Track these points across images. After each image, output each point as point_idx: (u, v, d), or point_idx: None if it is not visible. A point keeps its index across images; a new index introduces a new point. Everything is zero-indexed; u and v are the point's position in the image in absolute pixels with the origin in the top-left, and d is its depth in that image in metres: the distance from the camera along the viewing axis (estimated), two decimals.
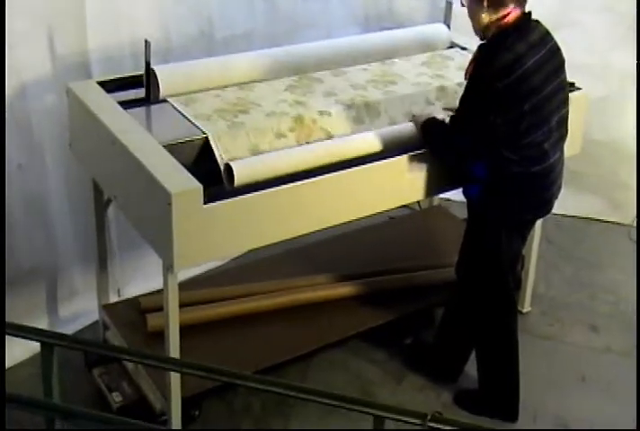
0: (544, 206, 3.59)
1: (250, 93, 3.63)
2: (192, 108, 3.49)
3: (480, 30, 3.33)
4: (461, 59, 4.05)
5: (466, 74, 3.38)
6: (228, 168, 3.18)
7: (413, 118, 3.57)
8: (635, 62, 4.77)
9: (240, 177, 3.16)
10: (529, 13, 3.31)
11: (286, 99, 3.62)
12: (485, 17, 3.28)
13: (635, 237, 5.11)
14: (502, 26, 3.26)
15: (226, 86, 3.68)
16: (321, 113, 3.53)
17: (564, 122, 3.47)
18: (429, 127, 3.47)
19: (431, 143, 3.47)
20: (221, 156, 3.25)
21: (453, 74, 3.97)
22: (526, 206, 3.52)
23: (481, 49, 3.32)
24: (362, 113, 3.61)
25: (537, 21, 3.35)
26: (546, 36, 3.35)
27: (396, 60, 4.08)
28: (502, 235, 3.51)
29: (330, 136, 3.49)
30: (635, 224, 5.20)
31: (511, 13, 3.25)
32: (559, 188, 3.57)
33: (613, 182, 5.25)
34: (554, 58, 3.35)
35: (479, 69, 3.26)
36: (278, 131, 3.40)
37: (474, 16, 3.32)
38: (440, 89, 3.82)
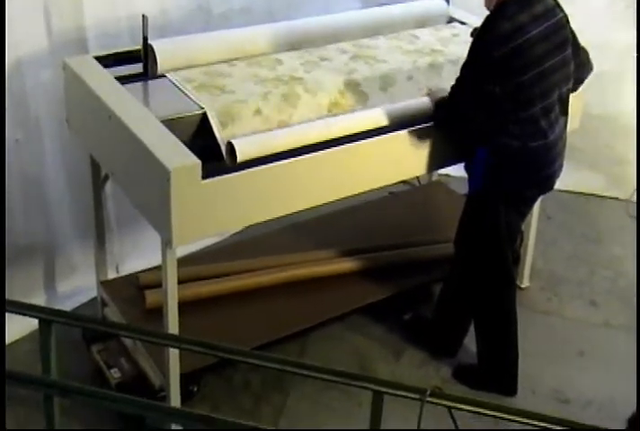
0: (543, 184, 3.58)
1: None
2: (189, 82, 3.48)
3: (486, 4, 3.33)
4: None
5: None
6: (230, 145, 3.17)
7: (430, 93, 3.57)
8: (635, 38, 4.75)
9: (242, 154, 3.15)
10: None
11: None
12: None
13: (633, 212, 5.10)
14: None
15: (223, 61, 3.67)
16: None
17: (565, 99, 3.46)
18: (441, 103, 3.47)
19: (438, 115, 3.47)
20: (220, 132, 3.24)
21: None
22: (524, 182, 3.51)
23: (484, 20, 3.32)
24: None
25: None
26: (553, 10, 3.34)
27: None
28: (501, 211, 3.51)
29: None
30: (633, 198, 5.19)
31: None
32: (560, 166, 3.56)
33: (611, 157, 5.25)
34: (558, 33, 3.34)
35: (478, 37, 3.27)
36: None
37: None
38: None
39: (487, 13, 3.34)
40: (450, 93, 3.41)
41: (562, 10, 3.38)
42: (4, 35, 3.54)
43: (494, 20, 3.25)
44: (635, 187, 5.12)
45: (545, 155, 3.45)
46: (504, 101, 3.28)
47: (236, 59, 3.69)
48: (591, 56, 3.63)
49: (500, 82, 3.24)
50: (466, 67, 3.33)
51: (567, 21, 3.40)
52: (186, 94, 3.41)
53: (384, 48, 3.89)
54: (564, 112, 3.50)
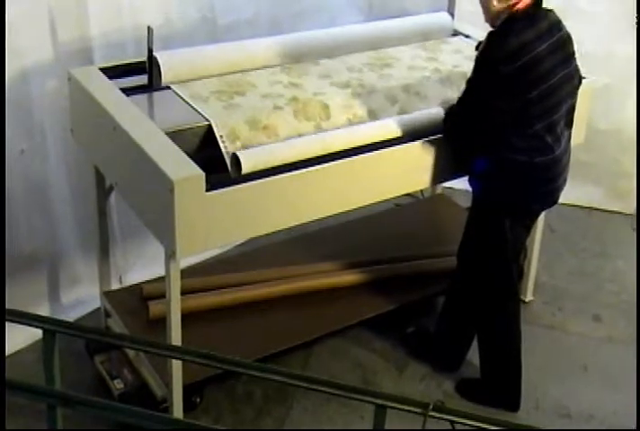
0: (549, 198, 3.58)
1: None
2: (193, 94, 3.48)
3: (491, 18, 3.33)
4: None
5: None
6: (235, 157, 3.17)
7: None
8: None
9: (248, 166, 3.15)
10: (540, 1, 3.30)
11: (281, 80, 3.64)
12: (497, 5, 3.28)
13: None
14: (512, 13, 3.26)
15: (228, 73, 3.67)
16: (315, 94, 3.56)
17: (570, 113, 3.47)
18: (448, 113, 3.48)
19: (445, 127, 3.48)
20: (225, 144, 3.24)
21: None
22: (530, 196, 3.51)
23: (490, 36, 3.31)
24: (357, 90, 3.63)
25: (549, 10, 3.35)
26: (557, 25, 3.34)
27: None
28: (506, 225, 3.51)
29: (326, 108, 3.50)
30: None
31: (522, 0, 3.25)
32: (565, 180, 3.56)
33: (616, 171, 5.24)
34: (562, 48, 3.34)
35: (485, 53, 3.26)
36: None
37: (485, 4, 3.32)
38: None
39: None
40: (456, 106, 3.41)
41: (564, 26, 3.38)
42: (4, 38, 3.54)
43: (502, 36, 3.24)
44: None
45: (551, 170, 3.45)
46: (511, 116, 3.27)
47: (240, 72, 3.70)
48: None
49: (507, 98, 3.24)
50: (472, 82, 3.33)
51: (570, 38, 3.40)
52: (190, 106, 3.41)
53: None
54: (569, 125, 3.51)
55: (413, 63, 3.93)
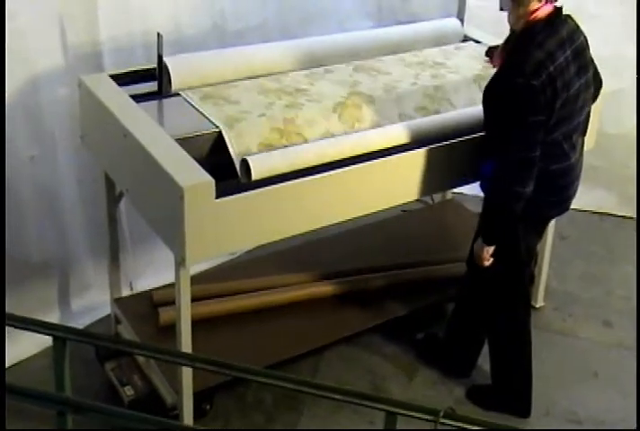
0: (563, 204, 3.57)
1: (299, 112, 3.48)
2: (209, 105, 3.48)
3: (512, 23, 3.27)
4: None
5: (494, 64, 3.37)
6: (245, 163, 3.17)
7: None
8: None
9: (257, 172, 3.15)
10: (561, 8, 3.26)
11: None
12: (515, 11, 3.22)
13: None
14: (532, 21, 3.20)
15: (237, 79, 3.67)
16: None
17: (586, 121, 3.45)
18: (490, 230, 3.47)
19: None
20: (235, 150, 3.24)
21: None
22: (545, 203, 3.48)
23: (510, 43, 3.28)
24: None
25: (568, 16, 3.30)
26: (575, 32, 3.30)
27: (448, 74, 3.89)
28: (520, 230, 3.49)
29: None
30: None
31: (542, 7, 3.19)
32: (577, 187, 3.55)
33: (626, 176, 5.22)
34: (581, 56, 3.30)
35: (511, 68, 3.19)
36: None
37: (513, 9, 3.23)
38: None
39: (500, 31, 3.32)
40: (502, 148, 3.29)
41: (582, 32, 3.34)
42: (4, 40, 3.54)
43: (527, 47, 3.17)
44: None
45: (566, 177, 3.44)
46: (537, 129, 3.21)
47: (253, 77, 3.70)
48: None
49: (535, 111, 3.15)
50: (506, 108, 3.20)
51: (587, 44, 3.37)
52: (200, 112, 3.41)
53: None
54: (584, 133, 3.49)
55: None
